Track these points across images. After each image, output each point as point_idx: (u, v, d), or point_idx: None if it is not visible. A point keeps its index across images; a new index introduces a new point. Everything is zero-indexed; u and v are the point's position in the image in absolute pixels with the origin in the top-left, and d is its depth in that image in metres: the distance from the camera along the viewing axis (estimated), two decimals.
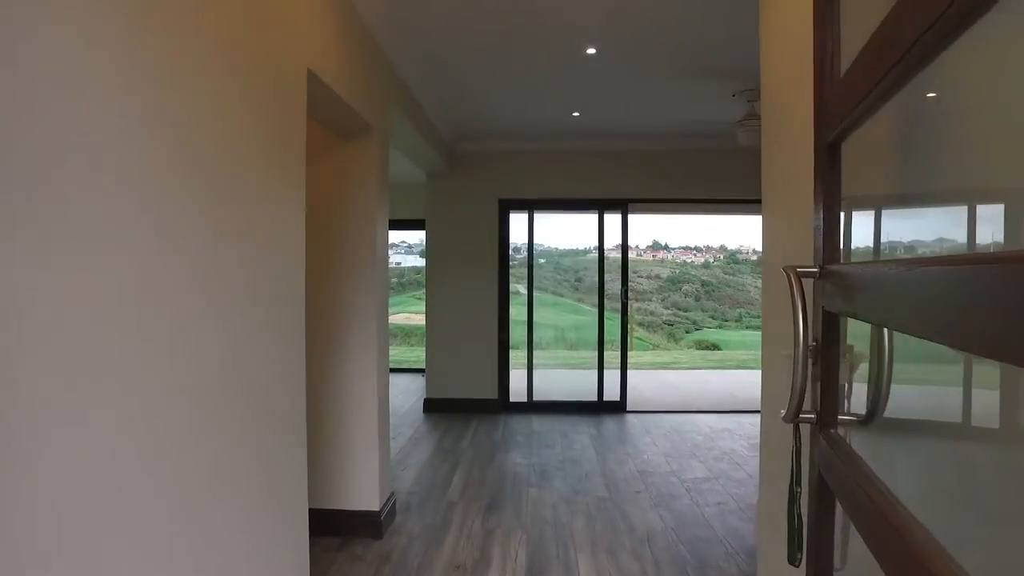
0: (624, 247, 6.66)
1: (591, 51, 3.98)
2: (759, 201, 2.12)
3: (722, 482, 4.43)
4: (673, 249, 22.25)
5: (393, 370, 10.01)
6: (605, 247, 6.75)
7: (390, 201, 3.73)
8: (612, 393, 6.65)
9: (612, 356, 6.75)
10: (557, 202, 6.69)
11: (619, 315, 6.84)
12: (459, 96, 4.98)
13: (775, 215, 2.00)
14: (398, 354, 12.90)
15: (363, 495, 3.43)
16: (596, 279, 6.79)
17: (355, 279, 3.36)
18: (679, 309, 21.20)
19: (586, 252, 20.77)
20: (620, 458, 4.98)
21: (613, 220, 6.65)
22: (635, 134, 6.23)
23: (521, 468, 4.73)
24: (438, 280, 6.63)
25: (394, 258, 17.61)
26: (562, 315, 17.94)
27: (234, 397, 1.78)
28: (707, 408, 6.90)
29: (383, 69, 3.63)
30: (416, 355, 12.07)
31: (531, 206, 6.66)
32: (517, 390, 6.71)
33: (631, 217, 6.57)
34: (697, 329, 20.37)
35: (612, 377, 6.63)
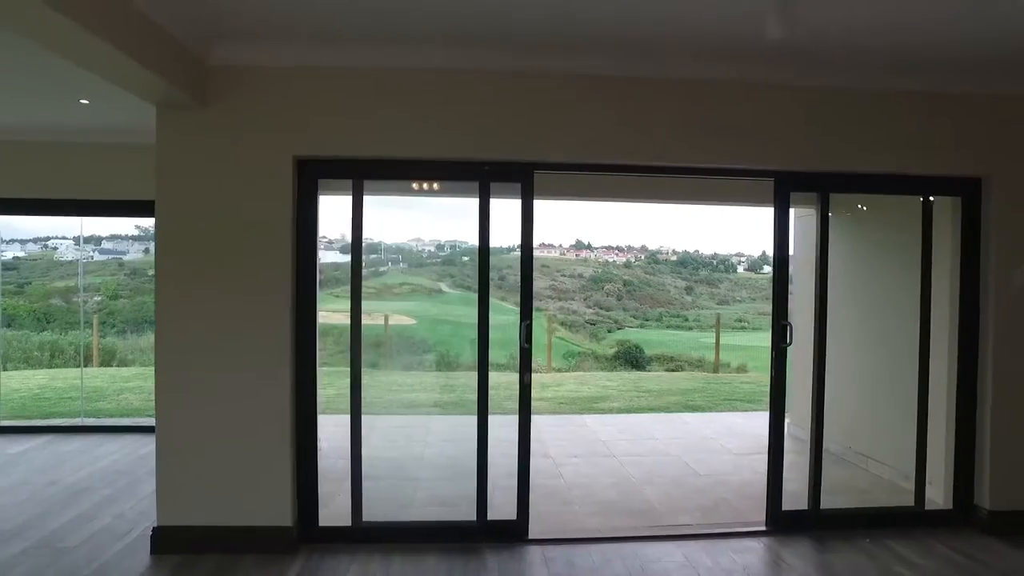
0: (526, 246, 3.76)
1: None
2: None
3: None
4: (596, 248, 23.05)
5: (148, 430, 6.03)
6: (486, 244, 3.87)
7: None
8: (503, 503, 3.78)
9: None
10: (404, 165, 3.73)
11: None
12: None
13: None
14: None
15: None
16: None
17: None
18: (601, 308, 21.44)
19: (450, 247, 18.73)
20: None
21: (504, 205, 3.78)
22: (567, 31, 3.34)
23: None
24: (177, 300, 3.54)
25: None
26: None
27: None
28: (670, 525, 3.92)
29: None
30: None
31: (357, 172, 3.68)
32: (329, 475, 3.78)
33: (539, 203, 3.75)
34: (619, 328, 20.42)
35: (502, 444, 3.83)
